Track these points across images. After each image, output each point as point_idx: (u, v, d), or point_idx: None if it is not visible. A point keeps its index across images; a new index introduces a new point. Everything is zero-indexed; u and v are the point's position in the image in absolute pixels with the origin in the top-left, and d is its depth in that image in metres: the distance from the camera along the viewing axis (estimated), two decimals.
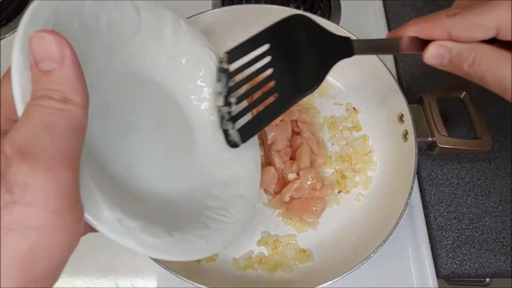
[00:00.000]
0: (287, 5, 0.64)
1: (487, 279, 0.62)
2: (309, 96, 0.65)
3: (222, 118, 0.45)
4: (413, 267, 0.56)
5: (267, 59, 0.42)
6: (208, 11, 0.63)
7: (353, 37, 0.43)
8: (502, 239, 0.59)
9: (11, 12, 0.74)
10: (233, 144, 0.45)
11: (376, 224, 0.55)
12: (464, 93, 0.59)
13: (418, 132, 0.55)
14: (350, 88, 0.66)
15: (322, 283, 0.47)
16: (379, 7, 0.77)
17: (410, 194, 0.51)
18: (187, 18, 0.61)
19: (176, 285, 0.54)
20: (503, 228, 0.59)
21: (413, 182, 0.52)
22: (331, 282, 0.47)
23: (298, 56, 0.41)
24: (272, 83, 0.42)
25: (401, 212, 0.50)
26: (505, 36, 0.33)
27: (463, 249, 0.58)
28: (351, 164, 0.61)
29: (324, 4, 0.76)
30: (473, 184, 0.62)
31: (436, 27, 0.36)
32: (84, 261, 0.56)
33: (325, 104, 0.65)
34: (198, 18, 0.62)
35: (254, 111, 0.46)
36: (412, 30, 0.38)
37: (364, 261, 0.48)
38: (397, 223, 0.50)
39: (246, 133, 0.44)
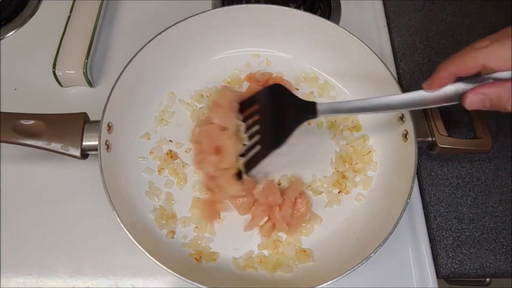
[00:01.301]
0: (287, 5, 0.64)
1: (487, 279, 0.62)
2: (310, 96, 0.66)
3: None
4: (413, 267, 0.56)
5: (257, 116, 0.55)
6: (208, 11, 0.63)
7: (320, 102, 0.53)
8: (502, 239, 0.59)
9: (11, 12, 0.74)
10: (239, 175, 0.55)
11: (376, 224, 0.55)
12: None
13: (418, 132, 0.55)
14: (350, 88, 0.66)
15: (322, 283, 0.47)
16: (379, 7, 0.77)
17: (410, 194, 0.51)
18: (187, 18, 0.62)
19: (176, 285, 0.54)
20: (503, 228, 0.59)
21: (413, 182, 0.52)
22: (331, 282, 0.47)
23: (275, 116, 0.53)
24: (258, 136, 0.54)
25: (401, 212, 0.50)
26: None
27: (463, 249, 0.58)
28: (351, 164, 0.61)
29: (324, 4, 0.76)
30: (473, 184, 0.62)
31: (468, 64, 0.40)
32: (84, 261, 0.56)
33: None
34: (198, 18, 0.62)
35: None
36: (448, 73, 0.42)
37: (364, 261, 0.48)
38: (397, 223, 0.50)
39: (246, 169, 0.54)
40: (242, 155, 0.54)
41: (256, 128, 0.54)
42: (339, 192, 0.59)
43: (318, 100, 0.65)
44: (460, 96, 0.43)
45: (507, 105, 0.40)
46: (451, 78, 0.42)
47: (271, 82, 0.65)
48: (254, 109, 0.54)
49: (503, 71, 0.39)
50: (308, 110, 0.52)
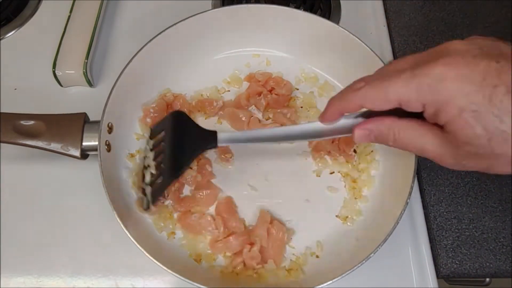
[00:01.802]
0: (287, 5, 0.64)
1: (487, 279, 0.62)
2: (310, 96, 0.66)
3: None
4: (413, 267, 0.56)
5: (162, 144, 0.53)
6: (208, 11, 0.63)
7: (220, 131, 0.50)
8: (502, 239, 0.59)
9: (11, 12, 0.74)
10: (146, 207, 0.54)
11: (376, 224, 0.55)
12: None
13: None
14: None
15: (322, 283, 0.47)
16: (379, 7, 0.77)
17: (410, 194, 0.51)
18: (187, 18, 0.62)
19: (176, 285, 0.54)
20: (503, 228, 0.59)
21: (413, 182, 0.52)
22: (331, 282, 0.47)
23: (177, 145, 0.51)
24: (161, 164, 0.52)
25: (401, 212, 0.50)
26: (407, 108, 0.36)
27: (463, 249, 0.58)
28: (353, 165, 0.61)
29: (324, 4, 0.76)
30: (473, 184, 0.62)
31: (350, 104, 0.40)
32: (84, 261, 0.56)
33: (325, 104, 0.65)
34: (198, 18, 0.62)
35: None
36: (335, 111, 0.43)
37: (364, 261, 0.48)
38: (397, 223, 0.50)
39: (152, 199, 0.53)
40: (151, 184, 0.53)
41: (161, 156, 0.52)
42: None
43: (318, 100, 0.65)
44: (351, 129, 0.43)
45: (389, 141, 0.40)
46: (340, 113, 0.43)
47: (271, 82, 0.65)
48: (161, 137, 0.53)
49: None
50: (207, 139, 0.50)
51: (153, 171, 0.53)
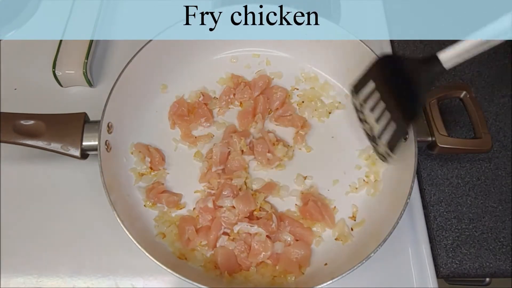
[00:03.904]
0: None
1: (487, 279, 0.62)
2: (312, 91, 0.66)
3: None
4: (413, 267, 0.56)
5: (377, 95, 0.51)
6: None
7: (439, 53, 0.45)
8: (502, 239, 0.59)
9: (11, 12, 0.74)
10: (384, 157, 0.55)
11: (376, 224, 0.55)
12: (464, 92, 0.59)
13: (418, 132, 0.55)
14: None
15: (322, 283, 0.47)
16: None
17: (410, 194, 0.51)
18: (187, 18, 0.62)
19: (176, 285, 0.54)
20: (503, 228, 0.59)
21: (412, 182, 0.52)
22: (330, 282, 0.47)
23: (398, 91, 0.48)
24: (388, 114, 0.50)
25: (401, 212, 0.50)
26: None
27: (463, 249, 0.58)
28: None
29: (324, 4, 0.76)
30: (473, 184, 0.62)
31: None
32: (84, 261, 0.56)
33: (327, 103, 0.65)
34: (198, 18, 0.62)
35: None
36: None
37: (364, 261, 0.48)
38: (397, 222, 0.50)
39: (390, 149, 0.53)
40: (374, 137, 0.53)
41: (381, 107, 0.49)
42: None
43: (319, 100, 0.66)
44: None
45: None
46: None
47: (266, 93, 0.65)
48: (372, 88, 0.50)
49: None
50: (430, 67, 0.44)
51: (375, 124, 0.51)
